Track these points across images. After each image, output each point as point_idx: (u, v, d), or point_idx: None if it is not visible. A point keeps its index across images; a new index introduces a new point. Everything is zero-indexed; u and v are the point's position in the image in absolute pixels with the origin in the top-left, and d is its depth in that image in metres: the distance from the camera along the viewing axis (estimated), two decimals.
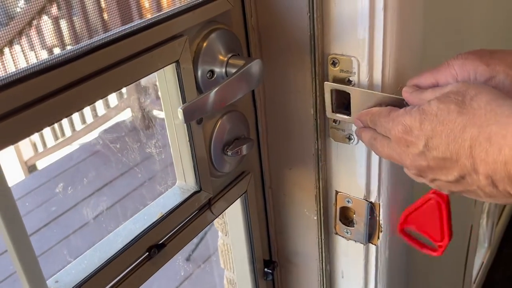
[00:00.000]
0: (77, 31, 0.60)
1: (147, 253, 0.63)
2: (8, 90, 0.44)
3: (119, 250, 0.59)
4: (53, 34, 0.59)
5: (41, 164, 3.69)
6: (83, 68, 0.50)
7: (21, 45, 0.52)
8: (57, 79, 0.48)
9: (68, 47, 0.50)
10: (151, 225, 0.63)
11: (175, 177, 0.70)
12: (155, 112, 3.23)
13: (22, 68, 0.45)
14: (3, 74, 0.44)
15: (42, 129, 0.47)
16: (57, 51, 0.49)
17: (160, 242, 0.64)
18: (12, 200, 0.48)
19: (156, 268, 0.64)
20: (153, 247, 0.63)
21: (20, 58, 0.48)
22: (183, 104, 0.62)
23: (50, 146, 3.73)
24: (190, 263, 2.70)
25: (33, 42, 0.52)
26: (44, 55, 0.48)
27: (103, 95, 0.52)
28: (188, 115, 0.57)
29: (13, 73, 0.45)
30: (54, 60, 0.47)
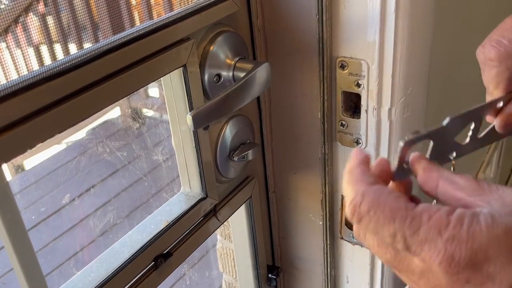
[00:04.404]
0: (83, 37, 0.58)
1: (154, 262, 0.61)
2: (15, 98, 0.42)
3: (126, 261, 0.57)
4: (55, 39, 0.57)
5: (28, 164, 3.63)
6: (90, 75, 0.48)
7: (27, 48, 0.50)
8: (64, 86, 0.46)
9: (73, 53, 0.48)
10: (157, 234, 0.61)
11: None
12: (145, 110, 3.19)
13: (29, 75, 0.43)
14: (10, 81, 0.42)
15: (50, 137, 0.45)
16: (61, 57, 0.47)
17: (166, 251, 0.63)
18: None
19: (162, 278, 0.62)
20: (160, 256, 0.61)
21: (28, 64, 0.46)
22: (189, 109, 0.60)
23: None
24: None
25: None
26: (48, 61, 0.46)
27: (111, 101, 0.50)
28: (198, 122, 0.55)
29: (18, 81, 0.43)
30: (60, 67, 0.45)
